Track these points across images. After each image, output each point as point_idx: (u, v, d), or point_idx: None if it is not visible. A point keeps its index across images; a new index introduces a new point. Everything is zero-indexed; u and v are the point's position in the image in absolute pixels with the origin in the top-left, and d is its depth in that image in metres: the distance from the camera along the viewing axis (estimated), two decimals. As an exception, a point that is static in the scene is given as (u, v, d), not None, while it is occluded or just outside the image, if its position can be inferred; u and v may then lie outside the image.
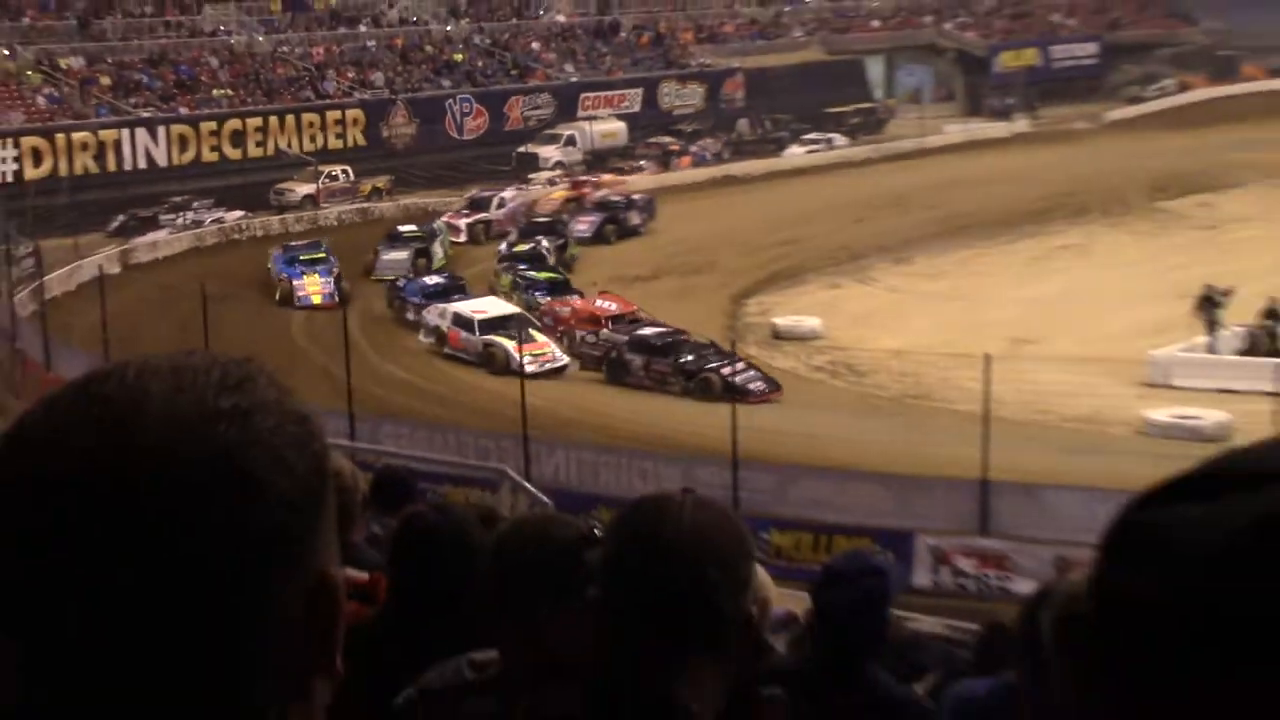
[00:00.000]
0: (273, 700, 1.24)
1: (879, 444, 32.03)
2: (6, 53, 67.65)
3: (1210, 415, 34.01)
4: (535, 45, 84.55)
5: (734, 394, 36.42)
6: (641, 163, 72.84)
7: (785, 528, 26.72)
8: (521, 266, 49.12)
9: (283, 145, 68.38)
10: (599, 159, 73.06)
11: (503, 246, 52.93)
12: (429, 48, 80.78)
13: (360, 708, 2.54)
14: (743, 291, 51.33)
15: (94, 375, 1.26)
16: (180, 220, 59.51)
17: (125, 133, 64.60)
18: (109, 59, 70.85)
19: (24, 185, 57.47)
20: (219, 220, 59.94)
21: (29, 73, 67.34)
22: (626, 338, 40.98)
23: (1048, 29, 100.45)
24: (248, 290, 48.05)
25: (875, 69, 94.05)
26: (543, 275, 48.15)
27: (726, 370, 37.71)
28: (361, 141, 70.92)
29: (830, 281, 52.86)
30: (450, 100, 75.47)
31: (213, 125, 67.36)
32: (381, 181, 66.03)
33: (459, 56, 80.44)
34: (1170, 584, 0.89)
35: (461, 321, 42.17)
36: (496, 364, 39.69)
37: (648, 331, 41.30)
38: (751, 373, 38.72)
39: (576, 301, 44.84)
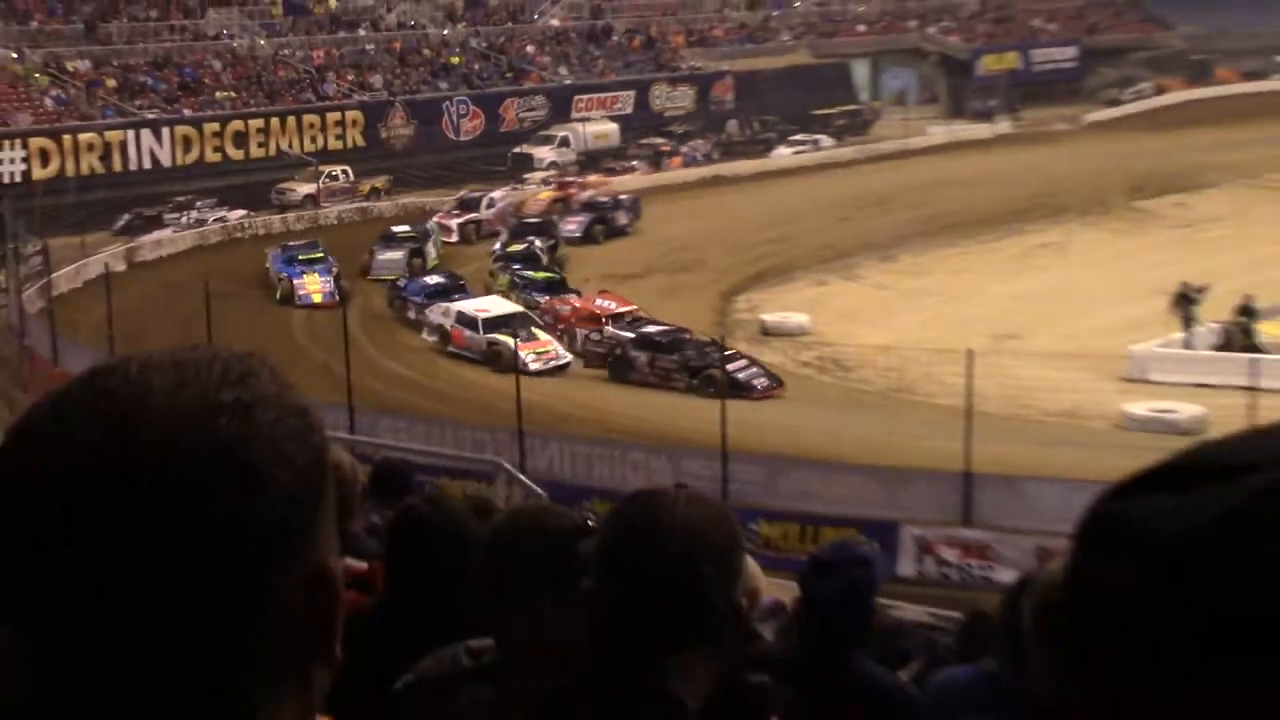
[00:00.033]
0: (273, 687, 1.24)
1: (865, 437, 32.05)
2: (15, 56, 67.67)
3: (1186, 409, 34.06)
4: (530, 49, 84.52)
5: (739, 390, 36.50)
6: (634, 163, 72.80)
7: (774, 518, 26.72)
8: (516, 266, 49.00)
9: (284, 146, 68.35)
10: (592, 159, 72.99)
11: (496, 247, 52.68)
12: (426, 51, 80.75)
13: (359, 694, 2.53)
14: (732, 288, 51.33)
15: (99, 370, 1.25)
16: (184, 219, 59.47)
17: (131, 134, 64.61)
18: (115, 62, 70.83)
19: (32, 185, 57.42)
20: (222, 219, 59.87)
21: (37, 75, 67.32)
22: (631, 336, 40.72)
23: (1028, 33, 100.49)
24: (250, 288, 48.07)
25: (861, 72, 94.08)
26: (540, 275, 47.99)
27: (731, 367, 37.73)
28: (361, 142, 70.88)
29: (817, 279, 52.86)
30: (447, 102, 75.47)
31: (216, 126, 67.37)
32: (380, 181, 66.00)
33: (456, 60, 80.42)
34: (1141, 574, 0.88)
35: (465, 320, 41.94)
36: (501, 362, 39.15)
37: (651, 329, 41.11)
38: (755, 369, 38.66)
39: (576, 300, 44.68)
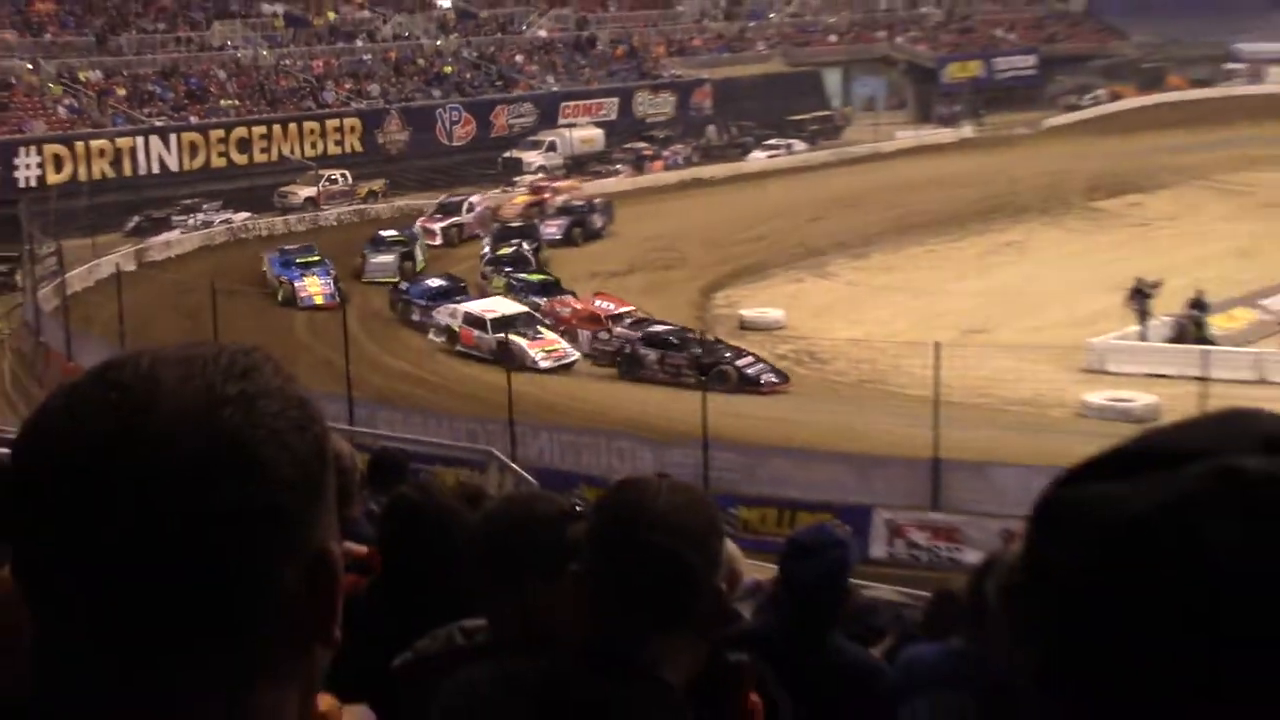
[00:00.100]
0: (276, 666, 1.24)
1: (839, 426, 32.10)
2: (30, 67, 67.56)
3: (1141, 398, 34.16)
4: (519, 58, 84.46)
5: (748, 385, 36.47)
6: (617, 166, 72.82)
7: (752, 504, 26.75)
8: (508, 269, 48.60)
9: (286, 151, 68.22)
10: (579, 163, 72.95)
11: (485, 250, 52.14)
12: (420, 61, 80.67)
13: (358, 672, 2.52)
14: (711, 285, 51.32)
15: (111, 363, 1.25)
16: (191, 221, 59.35)
17: (140, 140, 64.52)
18: (125, 72, 70.73)
19: (47, 189, 57.31)
20: (227, 221, 59.77)
21: (51, 85, 67.21)
22: (640, 335, 40.30)
23: (991, 43, 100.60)
24: (253, 286, 47.94)
25: (833, 80, 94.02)
26: (534, 277, 47.48)
27: (740, 363, 37.67)
28: (359, 148, 70.76)
29: (793, 276, 52.87)
30: (440, 109, 75.36)
31: (221, 133, 67.26)
32: (377, 185, 65.87)
33: (448, 69, 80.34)
34: (1089, 556, 0.88)
35: (473, 321, 41.45)
36: (512, 361, 38.88)
37: (659, 328, 40.76)
38: (762, 365, 38.47)
39: (575, 301, 44.28)
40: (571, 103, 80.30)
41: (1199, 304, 40.60)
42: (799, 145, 79.42)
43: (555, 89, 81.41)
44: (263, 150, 67.98)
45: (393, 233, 53.84)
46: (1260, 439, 0.90)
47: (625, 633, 2.61)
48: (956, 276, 50.97)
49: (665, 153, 75.61)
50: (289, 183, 64.45)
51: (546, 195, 62.17)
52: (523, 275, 47.72)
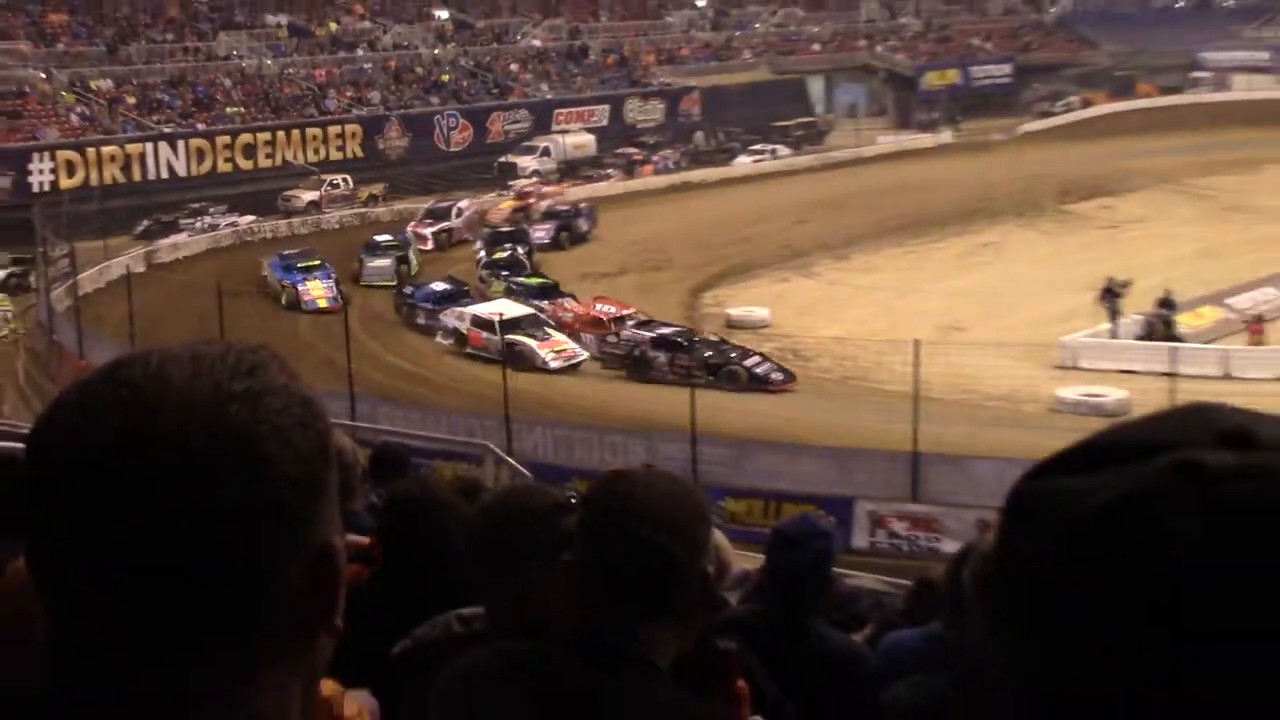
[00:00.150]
0: (281, 655, 1.24)
1: (822, 420, 32.13)
2: (44, 76, 67.56)
3: (1113, 393, 34.20)
4: (514, 67, 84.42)
5: (757, 384, 36.38)
6: (609, 171, 72.79)
7: (739, 496, 26.78)
8: (505, 273, 48.25)
9: (289, 157, 68.17)
10: (571, 168, 72.97)
11: (480, 255, 51.77)
12: (419, 69, 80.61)
13: (360, 659, 2.52)
14: (699, 285, 51.32)
15: (121, 361, 1.25)
16: (198, 224, 59.34)
17: (149, 146, 64.48)
18: (134, 81, 70.74)
19: (60, 194, 57.33)
20: (233, 224, 59.77)
21: (63, 93, 67.17)
22: (649, 337, 39.77)
23: (967, 51, 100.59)
24: (258, 287, 47.89)
25: (816, 87, 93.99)
26: (534, 281, 46.94)
27: (748, 362, 37.55)
28: (359, 153, 70.71)
29: (778, 276, 52.88)
30: (438, 116, 75.31)
31: (227, 139, 67.22)
32: (377, 189, 65.82)
33: (446, 77, 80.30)
34: (1056, 548, 0.88)
35: (481, 323, 40.89)
36: (522, 362, 38.34)
37: (667, 330, 40.34)
38: (769, 364, 38.29)
39: (577, 305, 43.90)
40: (564, 109, 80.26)
41: (1167, 303, 40.67)
42: (783, 150, 79.39)
43: (549, 96, 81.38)
44: (267, 156, 67.93)
45: (387, 237, 53.57)
46: (1219, 433, 0.90)
47: (615, 621, 2.61)
48: (935, 277, 50.98)
49: (655, 158, 75.58)
50: (292, 187, 64.44)
51: (532, 200, 61.96)
52: (522, 279, 47.26)
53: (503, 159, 72.64)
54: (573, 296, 45.19)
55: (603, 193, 66.64)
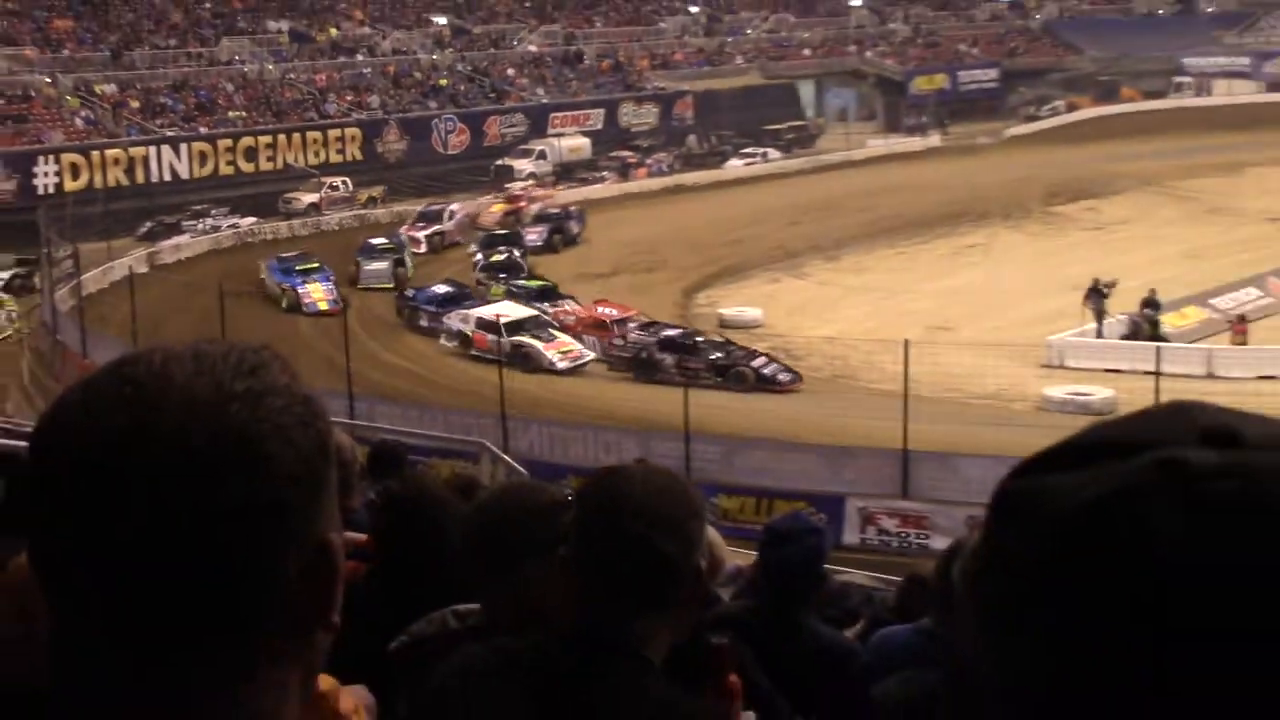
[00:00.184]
0: (279, 651, 1.23)
1: (813, 419, 32.10)
2: (49, 80, 67.56)
3: (1099, 392, 34.19)
4: (510, 71, 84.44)
5: (765, 384, 36.26)
6: (604, 173, 72.81)
7: (732, 493, 26.76)
8: (503, 276, 47.88)
9: (290, 160, 68.20)
10: (567, 170, 73.01)
11: (477, 258, 51.31)
12: (417, 74, 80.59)
13: (357, 654, 2.51)
14: (693, 286, 51.28)
15: (125, 360, 1.24)
16: (200, 226, 59.31)
17: (152, 150, 64.47)
18: (138, 85, 70.76)
19: (64, 196, 57.25)
20: (234, 226, 59.76)
21: (68, 98, 67.17)
22: (656, 339, 39.24)
23: (955, 57, 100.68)
24: (259, 287, 47.85)
25: (807, 91, 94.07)
26: (533, 283, 46.48)
27: (755, 364, 37.43)
28: (359, 156, 70.72)
29: (770, 277, 52.85)
30: (436, 120, 75.32)
31: (229, 143, 67.26)
32: (376, 191, 65.82)
33: (444, 81, 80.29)
34: (1040, 546, 0.87)
35: (486, 325, 40.23)
36: (529, 363, 38.16)
37: (673, 332, 39.92)
38: (775, 365, 38.08)
39: (579, 308, 43.58)
40: (560, 113, 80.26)
41: (1152, 303, 40.71)
42: (774, 154, 79.46)
43: (545, 100, 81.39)
44: (268, 159, 67.96)
45: (383, 240, 53.26)
46: (1202, 431, 0.89)
47: (609, 616, 2.60)
48: (924, 277, 50.97)
49: (649, 161, 75.58)
50: (293, 189, 64.49)
51: (523, 203, 61.79)
52: (522, 282, 46.88)
53: (499, 162, 72.65)
54: (573, 298, 44.92)
55: (597, 195, 66.69)
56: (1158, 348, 34.45)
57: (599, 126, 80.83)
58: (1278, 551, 0.82)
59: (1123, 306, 40.66)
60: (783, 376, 37.45)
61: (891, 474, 26.90)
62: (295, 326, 43.43)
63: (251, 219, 60.40)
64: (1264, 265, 47.00)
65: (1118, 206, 64.01)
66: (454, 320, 41.97)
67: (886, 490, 26.79)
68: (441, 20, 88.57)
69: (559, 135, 77.52)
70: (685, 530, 2.65)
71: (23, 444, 1.40)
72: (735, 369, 37.31)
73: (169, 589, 1.16)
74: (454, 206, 59.94)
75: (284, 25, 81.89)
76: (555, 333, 40.46)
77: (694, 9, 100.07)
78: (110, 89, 69.18)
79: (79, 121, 65.83)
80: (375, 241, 53.05)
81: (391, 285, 48.70)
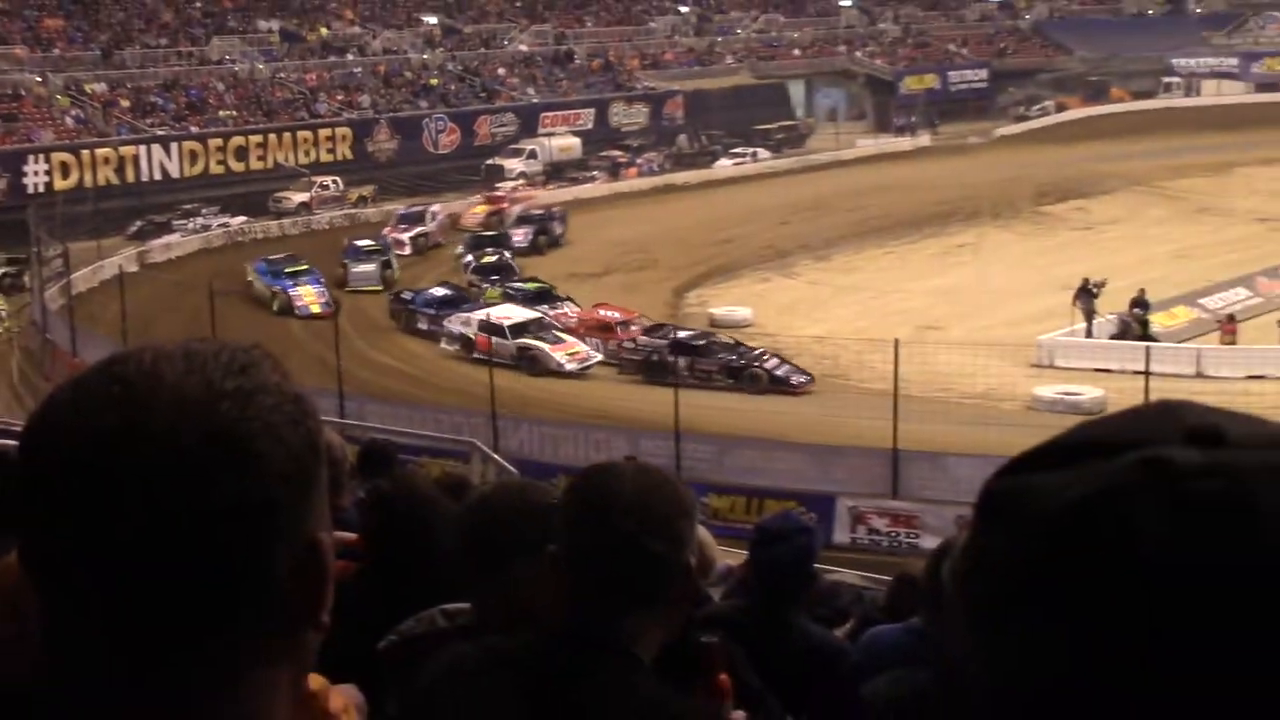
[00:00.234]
0: (269, 649, 1.23)
1: (803, 418, 32.08)
2: (39, 79, 67.46)
3: (1088, 391, 34.25)
4: (501, 71, 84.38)
5: (779, 386, 36.16)
6: (594, 173, 72.81)
7: (722, 492, 26.75)
8: (495, 278, 47.52)
9: (280, 159, 68.12)
10: (557, 170, 73.02)
11: (468, 259, 50.90)
12: (408, 74, 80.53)
13: (347, 653, 2.51)
14: (683, 285, 51.27)
15: (115, 358, 1.24)
16: (190, 225, 59.25)
17: (143, 149, 64.40)
18: (128, 84, 70.65)
19: (54, 195, 57.18)
20: (225, 225, 59.69)
21: (58, 97, 67.06)
22: (666, 342, 38.61)
23: (945, 57, 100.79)
24: (246, 289, 47.73)
25: (797, 91, 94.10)
26: (530, 285, 46.06)
27: (768, 365, 37.31)
28: (349, 155, 70.66)
29: (760, 276, 52.86)
30: (427, 119, 75.27)
31: (219, 142, 67.16)
32: (367, 190, 65.75)
33: (434, 81, 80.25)
34: (1026, 545, 0.87)
35: (489, 328, 38.94)
36: (538, 366, 37.93)
37: (684, 334, 39.36)
38: (788, 366, 37.87)
39: (580, 311, 43.20)
40: (551, 113, 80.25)
41: (1141, 303, 40.76)
42: (764, 153, 79.48)
43: (535, 100, 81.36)
44: (259, 158, 67.90)
45: (369, 242, 52.86)
46: (1187, 431, 0.89)
47: (598, 613, 2.59)
48: (914, 277, 51.00)
49: (639, 160, 75.57)
50: (283, 189, 64.38)
51: (505, 205, 61.55)
52: (518, 284, 46.45)
53: (490, 161, 72.59)
54: (571, 300, 44.67)
55: (588, 194, 66.68)
56: (1147, 347, 34.44)
57: (589, 126, 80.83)
58: (1262, 550, 0.82)
59: (1112, 306, 40.69)
60: (796, 378, 37.29)
61: (882, 473, 26.92)
62: (285, 326, 43.39)
63: (242, 218, 60.35)
64: (1252, 265, 47.12)
65: (1107, 206, 64.07)
66: (455, 324, 41.41)
67: (877, 490, 26.80)
68: (432, 20, 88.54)
69: (549, 135, 77.51)
70: (675, 528, 2.64)
71: (12, 443, 1.39)
72: (749, 370, 37.19)
73: (168, 590, 1.16)
74: (434, 207, 59.71)
75: (274, 25, 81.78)
76: (560, 334, 40.23)
77: (684, 9, 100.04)
78: (100, 88, 69.09)
79: (69, 120, 65.74)
80: (361, 243, 52.56)
81: (380, 288, 48.49)
